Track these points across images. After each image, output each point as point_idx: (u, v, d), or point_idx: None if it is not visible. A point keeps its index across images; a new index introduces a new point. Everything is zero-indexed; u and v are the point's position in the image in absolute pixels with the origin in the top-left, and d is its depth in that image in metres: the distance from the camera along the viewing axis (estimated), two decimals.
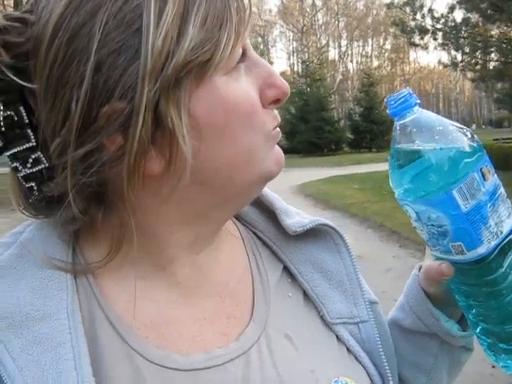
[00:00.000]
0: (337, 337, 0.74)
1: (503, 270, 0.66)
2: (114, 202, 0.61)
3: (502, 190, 0.67)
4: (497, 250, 0.65)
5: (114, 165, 0.56)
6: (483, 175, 0.64)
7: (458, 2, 15.57)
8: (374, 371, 0.74)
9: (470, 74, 18.36)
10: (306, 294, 0.76)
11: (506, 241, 0.66)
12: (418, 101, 0.66)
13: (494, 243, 0.65)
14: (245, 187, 0.64)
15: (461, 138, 0.65)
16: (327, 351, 0.72)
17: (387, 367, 0.74)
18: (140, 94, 0.53)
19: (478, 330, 0.72)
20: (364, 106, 34.75)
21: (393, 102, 0.67)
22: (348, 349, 0.74)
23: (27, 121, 0.60)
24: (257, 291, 0.73)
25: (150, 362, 0.61)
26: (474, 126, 67.32)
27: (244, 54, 0.62)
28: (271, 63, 49.49)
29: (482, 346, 0.73)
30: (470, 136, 0.66)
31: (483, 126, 70.15)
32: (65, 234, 0.65)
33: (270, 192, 0.80)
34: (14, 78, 0.57)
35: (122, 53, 0.54)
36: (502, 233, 0.65)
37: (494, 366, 4.01)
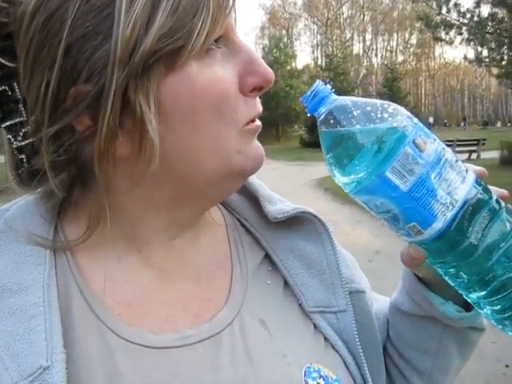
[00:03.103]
0: (314, 325, 0.74)
1: (471, 238, 0.61)
2: (91, 182, 0.64)
3: (448, 155, 0.62)
4: (457, 220, 0.60)
5: (83, 145, 0.59)
6: (418, 147, 0.60)
7: None
8: (350, 360, 0.74)
9: (495, 70, 18.10)
10: (286, 282, 0.76)
11: (465, 207, 0.61)
12: (332, 90, 0.64)
13: (450, 214, 0.60)
14: (215, 178, 0.64)
15: (381, 115, 0.61)
16: (302, 338, 0.72)
17: (363, 357, 0.74)
18: (109, 81, 0.55)
19: (484, 309, 0.66)
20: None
21: (305, 101, 0.64)
22: (325, 337, 0.74)
23: (20, 96, 0.63)
24: (235, 277, 0.73)
25: (120, 337, 0.62)
26: (498, 124, 66.42)
27: (226, 38, 0.62)
28: (294, 56, 49.35)
29: (494, 322, 0.67)
30: (392, 111, 0.62)
31: (508, 124, 69.08)
32: (48, 212, 0.67)
33: (256, 179, 0.81)
34: None
35: (91, 37, 0.56)
36: (457, 201, 0.60)
37: (507, 366, 3.98)
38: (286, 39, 60.70)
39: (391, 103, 0.63)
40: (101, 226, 0.64)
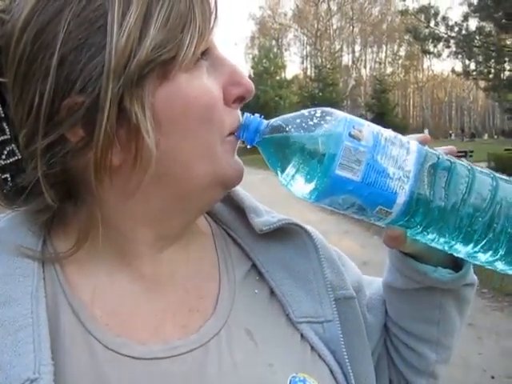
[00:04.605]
0: (301, 335, 0.75)
1: (436, 200, 0.63)
2: (83, 195, 0.65)
3: (386, 134, 0.64)
4: (417, 189, 0.63)
5: (76, 156, 0.60)
6: (355, 137, 0.62)
7: (472, 11, 15.52)
8: (337, 369, 0.74)
9: (482, 83, 18.29)
10: (272, 292, 0.77)
11: (419, 174, 0.63)
12: (257, 114, 0.68)
13: (408, 186, 0.62)
14: (203, 184, 0.66)
15: (313, 122, 0.64)
16: (288, 348, 0.72)
17: (349, 367, 0.75)
18: (104, 90, 0.56)
19: (478, 260, 0.67)
20: (376, 112, 34.79)
21: (242, 137, 0.68)
22: (312, 347, 0.74)
23: (3, 114, 0.63)
24: (222, 287, 0.74)
25: (108, 348, 0.63)
26: (485, 136, 67.04)
27: (208, 52, 0.65)
28: (284, 66, 49.53)
29: (491, 267, 0.68)
30: (320, 114, 0.65)
31: (495, 136, 69.66)
32: (36, 225, 0.67)
33: (242, 190, 0.82)
34: None
35: (83, 49, 0.57)
36: (409, 172, 0.63)
37: (493, 377, 4.00)
38: (275, 49, 60.94)
39: (317, 108, 0.65)
40: (90, 239, 0.65)
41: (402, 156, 0.63)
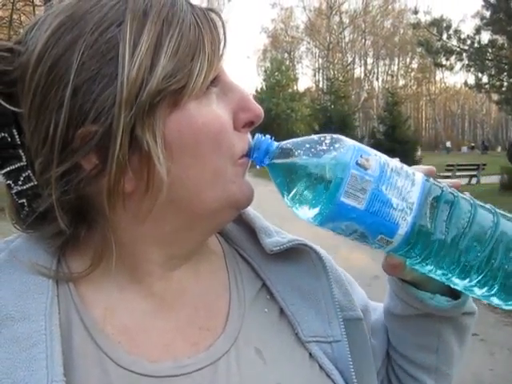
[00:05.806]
0: (309, 354, 0.76)
1: (437, 233, 0.63)
2: (97, 220, 0.67)
3: (393, 164, 0.65)
4: (418, 221, 0.63)
5: (89, 183, 0.62)
6: (362, 166, 0.63)
7: (484, 24, 15.50)
8: None
9: (495, 96, 18.21)
10: (282, 312, 0.78)
11: (422, 207, 0.64)
12: (268, 136, 0.69)
13: (410, 218, 0.63)
14: (212, 207, 0.67)
15: (321, 148, 0.65)
16: (297, 367, 0.73)
17: None
18: (117, 120, 0.58)
19: (474, 293, 0.68)
20: (388, 125, 34.66)
21: (252, 158, 0.69)
22: (320, 366, 0.75)
23: (19, 142, 0.66)
24: (232, 305, 0.75)
25: (119, 365, 0.64)
26: (499, 149, 66.60)
27: (218, 79, 0.67)
28: (296, 79, 49.64)
29: (486, 301, 0.68)
30: (329, 141, 0.66)
31: None
32: (50, 245, 0.69)
33: (252, 210, 0.83)
34: (3, 102, 0.63)
35: (96, 80, 0.59)
36: (413, 204, 0.63)
37: None
38: (287, 62, 61.05)
39: (327, 134, 0.67)
40: (104, 260, 0.67)
41: (406, 187, 0.64)
